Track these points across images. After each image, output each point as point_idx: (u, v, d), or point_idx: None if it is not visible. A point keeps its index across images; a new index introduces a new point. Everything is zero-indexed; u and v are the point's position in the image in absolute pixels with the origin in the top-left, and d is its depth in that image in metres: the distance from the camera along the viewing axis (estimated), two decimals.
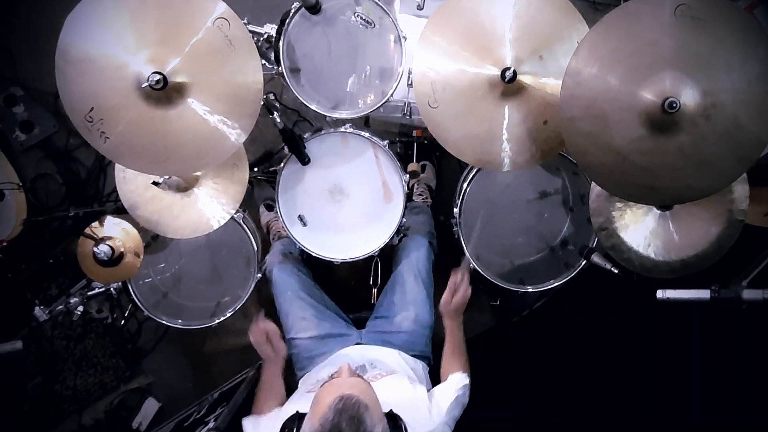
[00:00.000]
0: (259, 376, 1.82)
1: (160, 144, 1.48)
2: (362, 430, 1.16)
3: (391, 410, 1.31)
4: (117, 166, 1.79)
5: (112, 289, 2.07)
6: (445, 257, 2.19)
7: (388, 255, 2.10)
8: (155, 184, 1.75)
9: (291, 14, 1.73)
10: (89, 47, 1.38)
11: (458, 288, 1.78)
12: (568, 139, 1.40)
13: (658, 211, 1.65)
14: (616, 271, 1.73)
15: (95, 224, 1.89)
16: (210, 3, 1.41)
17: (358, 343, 1.89)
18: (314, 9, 1.70)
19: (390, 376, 1.62)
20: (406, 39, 1.76)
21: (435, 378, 1.86)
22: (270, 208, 2.59)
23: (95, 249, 1.83)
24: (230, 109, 1.47)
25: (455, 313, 1.80)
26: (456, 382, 1.64)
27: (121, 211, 1.87)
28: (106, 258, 1.82)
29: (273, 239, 2.45)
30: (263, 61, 1.85)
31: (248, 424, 1.63)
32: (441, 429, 1.49)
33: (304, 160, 1.85)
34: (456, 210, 2.03)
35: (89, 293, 2.04)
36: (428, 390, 1.78)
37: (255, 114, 1.49)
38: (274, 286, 2.08)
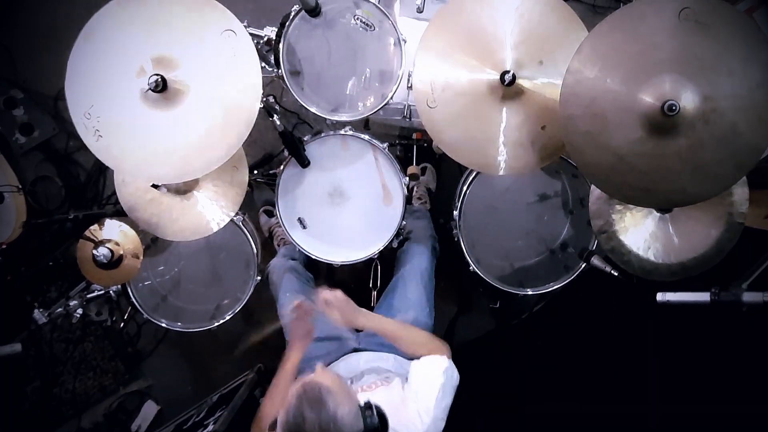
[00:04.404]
0: (258, 379, 1.81)
1: (159, 145, 1.49)
2: (324, 412, 1.21)
3: (368, 401, 1.32)
4: None
5: (111, 291, 2.07)
6: (444, 260, 2.19)
7: (388, 257, 2.10)
8: (155, 186, 1.75)
9: (291, 17, 1.74)
10: (104, 47, 1.42)
11: (327, 300, 1.62)
12: (566, 137, 1.40)
13: (658, 214, 1.65)
14: (615, 274, 1.73)
15: (95, 227, 1.89)
16: (222, 16, 1.45)
17: (355, 349, 1.88)
18: (314, 12, 1.71)
19: (383, 387, 1.60)
20: (405, 42, 1.76)
21: None
22: (270, 214, 2.59)
23: (95, 252, 1.83)
24: (228, 114, 1.48)
25: (354, 317, 1.64)
26: (435, 369, 1.52)
27: (120, 214, 1.87)
28: (105, 261, 1.82)
29: (277, 246, 2.45)
30: (263, 64, 1.85)
31: None
32: (434, 427, 1.46)
33: (304, 162, 1.85)
34: (456, 213, 2.03)
35: (88, 296, 2.04)
36: None
37: (252, 119, 1.49)
38: (275, 288, 2.08)
